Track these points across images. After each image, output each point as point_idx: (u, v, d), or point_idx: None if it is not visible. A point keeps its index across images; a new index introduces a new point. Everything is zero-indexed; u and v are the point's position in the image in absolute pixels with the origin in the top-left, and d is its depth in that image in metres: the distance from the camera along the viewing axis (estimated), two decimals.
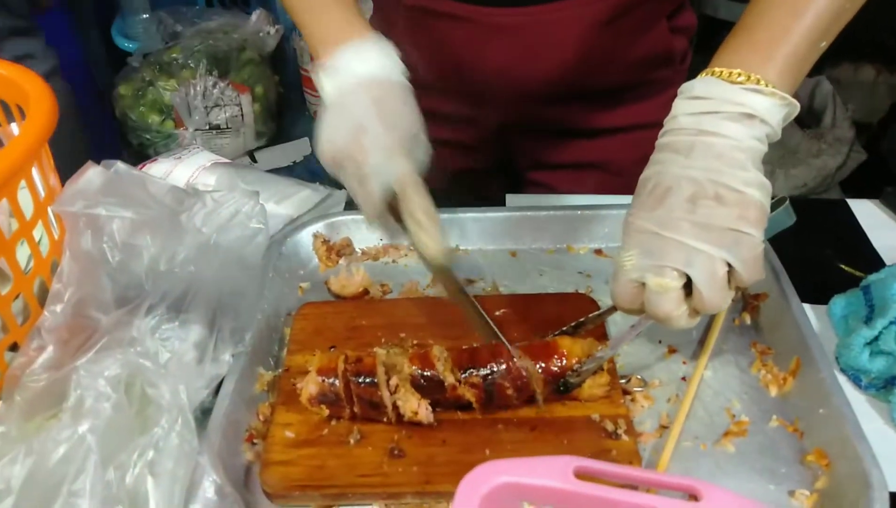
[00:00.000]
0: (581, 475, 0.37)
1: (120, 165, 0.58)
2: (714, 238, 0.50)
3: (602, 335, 0.67)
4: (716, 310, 0.52)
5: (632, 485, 0.37)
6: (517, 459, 0.38)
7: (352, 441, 0.58)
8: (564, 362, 0.60)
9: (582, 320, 0.66)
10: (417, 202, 0.62)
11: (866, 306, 0.66)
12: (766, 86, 0.53)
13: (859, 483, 0.53)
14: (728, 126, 0.53)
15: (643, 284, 0.53)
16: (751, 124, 0.53)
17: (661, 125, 0.94)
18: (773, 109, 0.53)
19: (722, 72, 0.54)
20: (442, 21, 0.83)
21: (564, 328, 0.66)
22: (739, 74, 0.54)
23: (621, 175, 0.93)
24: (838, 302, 0.70)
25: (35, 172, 0.57)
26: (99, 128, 1.91)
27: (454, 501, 0.37)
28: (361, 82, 0.64)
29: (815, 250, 0.79)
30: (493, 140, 0.97)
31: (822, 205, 0.92)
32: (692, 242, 0.50)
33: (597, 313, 0.66)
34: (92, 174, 0.56)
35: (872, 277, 0.68)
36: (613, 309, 0.60)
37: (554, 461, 0.37)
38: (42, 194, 0.57)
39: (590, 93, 0.88)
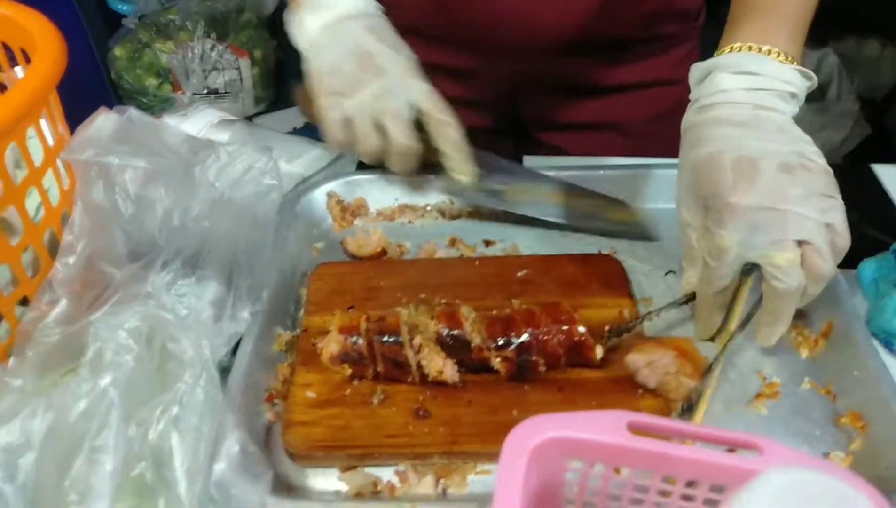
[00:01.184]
0: (634, 429, 0.35)
1: (133, 112, 0.56)
2: (818, 205, 0.51)
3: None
4: (826, 280, 0.53)
5: (688, 440, 0.36)
6: (566, 413, 0.36)
7: (375, 402, 0.57)
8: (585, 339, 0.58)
9: (630, 324, 0.61)
10: (448, 121, 0.61)
11: None
12: (795, 64, 0.56)
13: None
14: (779, 103, 0.55)
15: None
16: (793, 102, 0.56)
17: (673, 83, 0.93)
18: (803, 87, 0.57)
19: (760, 48, 0.56)
20: None
21: (609, 332, 0.60)
22: (779, 53, 0.56)
23: (633, 135, 0.92)
24: (868, 266, 0.69)
25: (43, 121, 0.54)
26: (95, 91, 1.87)
27: (502, 454, 0.35)
28: (349, 15, 0.64)
29: None
30: (500, 97, 0.94)
31: (847, 170, 0.90)
32: (807, 211, 0.50)
33: (643, 315, 0.62)
34: (103, 121, 0.53)
35: None
36: (658, 310, 0.60)
37: (605, 415, 0.36)
38: (51, 141, 0.54)
39: (600, 45, 0.85)
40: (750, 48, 0.57)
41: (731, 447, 0.35)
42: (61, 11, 1.70)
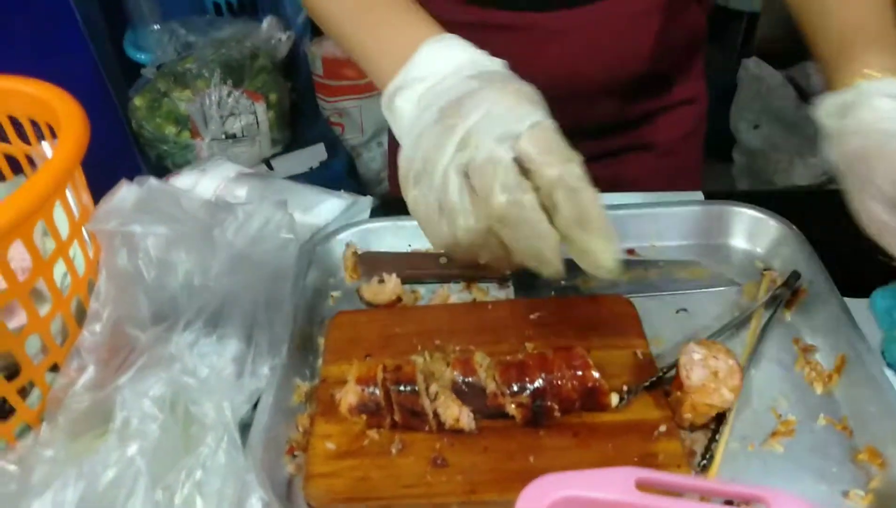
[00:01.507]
0: (643, 486, 0.36)
1: (153, 181, 0.58)
2: None
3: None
4: None
5: (696, 495, 0.36)
6: (576, 472, 0.37)
7: (394, 451, 0.58)
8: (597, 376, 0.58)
9: (646, 383, 0.61)
10: (576, 178, 0.42)
11: None
12: None
13: None
14: None
15: None
16: None
17: (695, 101, 0.95)
18: None
19: None
20: (500, 33, 0.80)
21: (627, 392, 0.60)
22: None
23: (665, 154, 0.93)
24: (881, 295, 0.69)
25: (69, 193, 0.57)
26: (116, 142, 1.92)
27: None
28: (455, 71, 0.48)
29: (851, 241, 0.78)
30: None
31: None
32: None
33: (657, 376, 0.61)
34: (125, 192, 0.56)
35: None
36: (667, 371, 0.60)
37: (614, 473, 0.36)
38: (77, 213, 0.57)
39: (640, 80, 0.87)
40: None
41: (740, 500, 0.36)
42: (82, 64, 1.77)
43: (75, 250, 0.60)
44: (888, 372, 0.62)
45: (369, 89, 2.13)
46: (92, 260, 0.59)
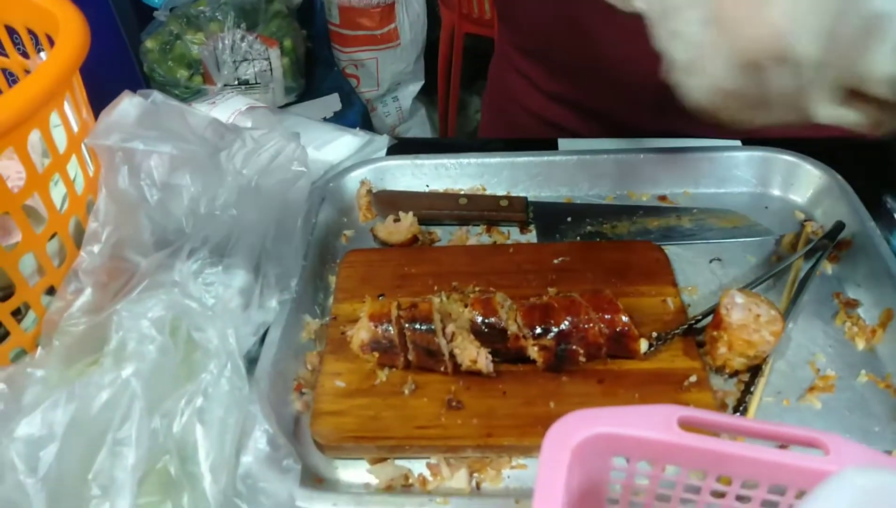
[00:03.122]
0: (686, 425, 0.32)
1: (157, 95, 0.54)
2: None
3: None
4: None
5: (744, 437, 0.33)
6: (611, 408, 0.34)
7: (406, 392, 0.55)
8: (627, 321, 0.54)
9: (678, 329, 0.57)
10: None
11: None
12: None
13: None
14: None
15: None
16: None
17: None
18: None
19: None
20: None
21: (657, 339, 0.56)
22: None
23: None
24: None
25: (67, 106, 0.53)
26: (127, 84, 1.88)
27: (542, 450, 0.33)
28: None
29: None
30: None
31: None
32: None
33: (693, 318, 0.58)
34: (128, 105, 0.52)
35: None
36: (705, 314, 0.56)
37: (655, 409, 0.33)
38: (76, 127, 0.53)
39: None
40: None
41: (793, 444, 0.32)
42: (93, 4, 1.71)
43: (75, 170, 0.57)
44: None
45: (386, 40, 2.06)
46: (92, 179, 0.56)
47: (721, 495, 0.34)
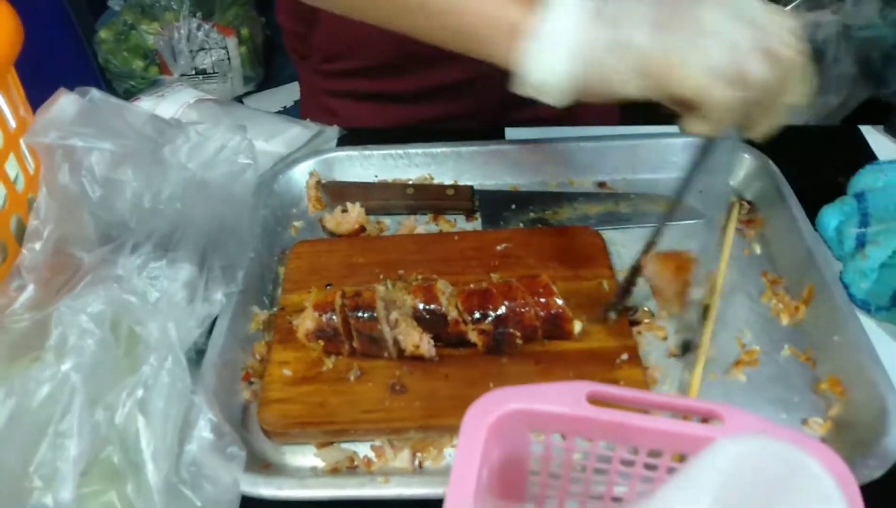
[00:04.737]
0: (594, 400, 0.35)
1: (95, 93, 0.55)
2: None
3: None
4: None
5: (646, 410, 0.35)
6: (526, 386, 0.36)
7: (352, 378, 0.57)
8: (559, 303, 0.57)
9: (619, 301, 0.60)
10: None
11: (859, 214, 0.65)
12: None
13: (875, 410, 0.52)
14: None
15: None
16: None
17: None
18: None
19: None
20: None
21: (606, 309, 0.60)
22: None
23: (629, 104, 0.89)
24: (828, 213, 0.68)
25: (3, 103, 0.53)
26: (81, 77, 1.85)
27: (461, 429, 0.35)
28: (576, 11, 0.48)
29: (825, 174, 0.76)
30: (494, 101, 0.85)
31: (835, 133, 0.89)
32: None
33: (622, 288, 0.61)
34: (65, 102, 0.53)
35: (864, 181, 0.66)
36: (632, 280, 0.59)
37: (565, 386, 0.35)
38: (13, 125, 0.53)
39: None
40: None
41: (693, 415, 0.35)
42: None
43: (16, 170, 0.57)
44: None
45: None
46: (32, 177, 0.56)
47: (631, 464, 0.37)
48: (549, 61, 0.49)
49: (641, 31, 0.47)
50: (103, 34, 1.78)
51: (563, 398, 0.35)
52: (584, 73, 0.49)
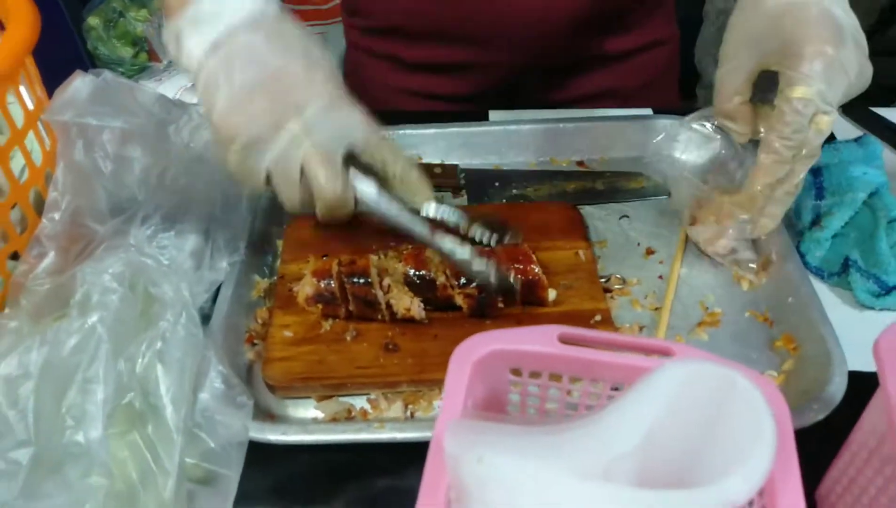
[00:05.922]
0: (565, 340, 0.40)
1: (108, 74, 0.59)
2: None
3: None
4: None
5: (611, 348, 0.40)
6: (506, 330, 0.41)
7: (348, 338, 0.61)
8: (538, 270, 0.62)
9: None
10: (392, 146, 0.56)
11: (815, 187, 0.70)
12: None
13: (822, 363, 0.57)
14: None
15: None
16: None
17: (664, 43, 0.95)
18: None
19: None
20: None
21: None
22: None
23: (629, 99, 0.92)
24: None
25: (23, 87, 0.57)
26: (70, 63, 1.87)
27: (449, 367, 0.40)
28: (243, 25, 0.51)
29: None
30: (494, 86, 0.93)
31: None
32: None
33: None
34: (80, 83, 0.57)
35: (821, 158, 0.71)
36: None
37: (539, 329, 0.40)
38: (31, 105, 0.57)
39: (602, 18, 0.85)
40: None
41: (649, 352, 0.40)
42: None
43: (33, 144, 0.61)
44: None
45: (334, 14, 2.08)
46: (49, 152, 0.60)
47: (596, 397, 0.42)
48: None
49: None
50: (92, 21, 1.80)
51: (537, 338, 0.40)
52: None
